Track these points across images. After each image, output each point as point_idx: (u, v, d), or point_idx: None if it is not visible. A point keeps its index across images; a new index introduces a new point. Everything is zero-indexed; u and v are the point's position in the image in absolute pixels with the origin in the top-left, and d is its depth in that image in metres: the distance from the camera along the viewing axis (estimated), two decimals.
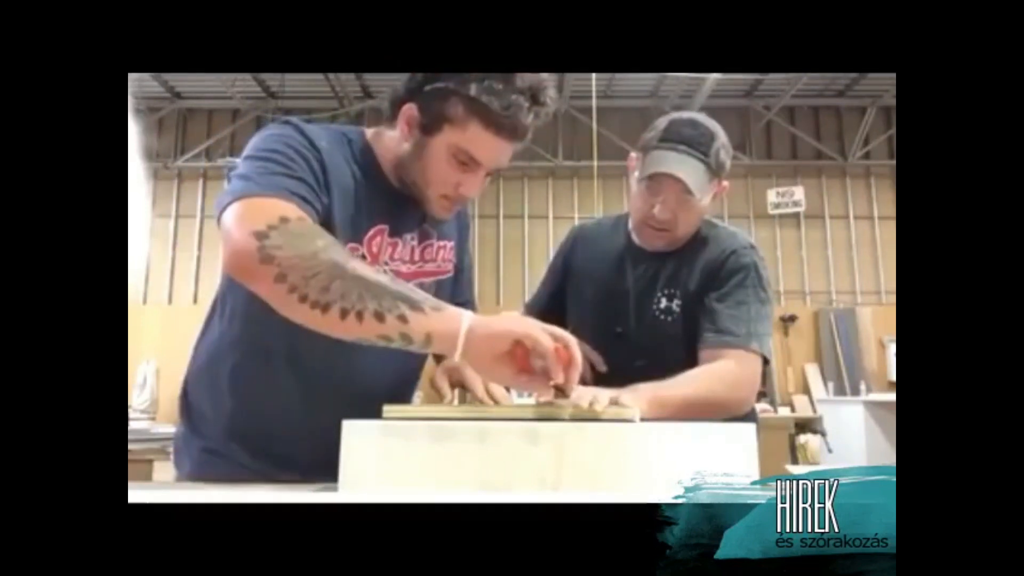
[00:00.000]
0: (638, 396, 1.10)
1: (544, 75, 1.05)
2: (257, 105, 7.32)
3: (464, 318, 0.87)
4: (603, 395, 1.01)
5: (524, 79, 1.02)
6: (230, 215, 0.93)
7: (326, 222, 1.02)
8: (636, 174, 1.43)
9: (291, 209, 0.93)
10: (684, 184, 1.34)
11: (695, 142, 1.36)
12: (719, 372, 1.30)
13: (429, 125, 1.05)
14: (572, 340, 0.89)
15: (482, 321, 0.88)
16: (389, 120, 1.11)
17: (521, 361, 0.89)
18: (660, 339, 1.43)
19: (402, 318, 0.86)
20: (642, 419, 1.04)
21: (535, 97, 1.03)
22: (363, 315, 0.85)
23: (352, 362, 1.09)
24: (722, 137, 1.40)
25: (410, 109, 1.07)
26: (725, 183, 1.44)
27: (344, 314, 0.86)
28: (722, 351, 1.33)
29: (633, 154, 1.46)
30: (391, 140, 1.12)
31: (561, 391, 0.92)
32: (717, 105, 6.93)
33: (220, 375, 1.14)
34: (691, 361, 1.34)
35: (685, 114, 1.43)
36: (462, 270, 1.32)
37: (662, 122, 1.41)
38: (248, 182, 0.96)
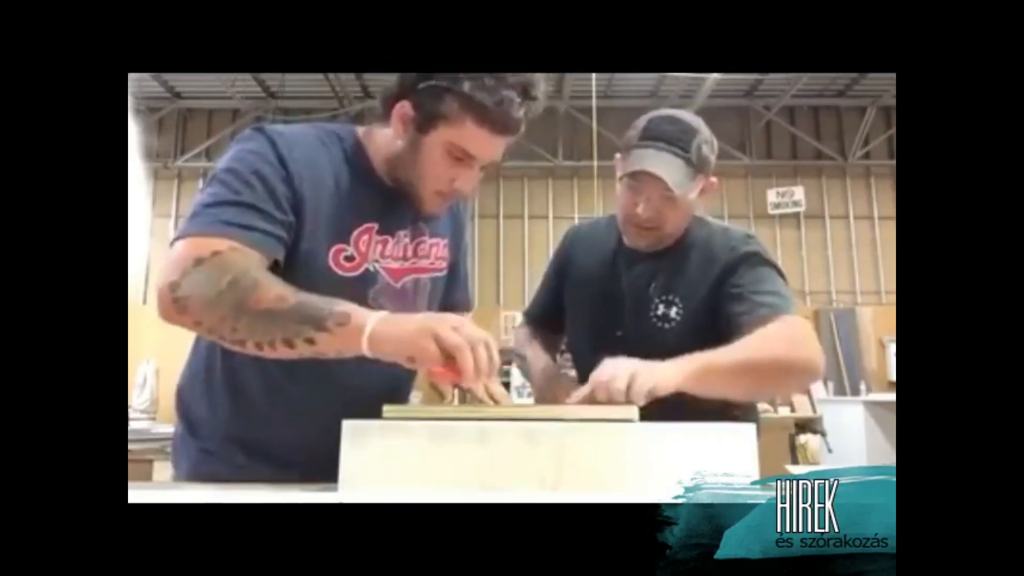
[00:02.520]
0: (679, 369, 1.08)
1: (534, 72, 1.05)
2: (257, 105, 7.32)
3: (366, 328, 0.90)
4: (623, 373, 1.01)
5: (516, 74, 1.03)
6: (166, 260, 0.97)
7: (300, 234, 1.04)
8: (619, 173, 1.41)
9: (213, 244, 0.96)
10: (664, 182, 1.32)
11: (674, 139, 1.34)
12: (773, 333, 1.21)
13: (424, 123, 1.06)
14: (463, 351, 0.87)
15: (383, 328, 0.90)
16: (381, 118, 1.11)
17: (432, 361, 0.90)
18: (660, 346, 1.40)
19: (309, 340, 0.92)
20: (689, 394, 1.04)
21: (526, 92, 1.04)
22: (275, 344, 0.92)
23: (346, 362, 1.09)
24: (704, 132, 1.37)
25: (403, 107, 1.07)
26: (714, 179, 1.40)
27: (259, 347, 0.93)
28: (762, 322, 1.24)
29: (618, 154, 1.44)
30: (383, 138, 1.12)
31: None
32: (717, 105, 6.93)
33: (216, 376, 1.14)
34: None
35: (665, 111, 1.40)
36: (457, 267, 1.32)
37: (642, 121, 1.39)
38: (190, 219, 0.99)
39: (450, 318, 0.92)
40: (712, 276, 1.39)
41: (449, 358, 0.88)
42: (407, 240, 1.16)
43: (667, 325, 1.41)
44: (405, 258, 1.17)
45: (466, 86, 1.02)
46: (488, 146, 1.07)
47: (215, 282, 0.92)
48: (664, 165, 1.32)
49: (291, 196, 1.03)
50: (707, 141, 1.37)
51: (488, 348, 0.89)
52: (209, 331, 0.94)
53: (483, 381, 0.92)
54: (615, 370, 1.05)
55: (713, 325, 1.34)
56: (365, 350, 0.90)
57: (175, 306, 0.92)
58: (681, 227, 1.44)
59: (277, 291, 0.93)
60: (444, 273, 1.26)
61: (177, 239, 0.98)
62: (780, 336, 1.22)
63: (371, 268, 1.11)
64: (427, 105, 1.05)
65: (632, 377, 1.02)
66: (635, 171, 1.34)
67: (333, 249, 1.07)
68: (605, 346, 1.44)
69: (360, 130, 1.16)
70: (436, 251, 1.23)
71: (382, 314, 0.92)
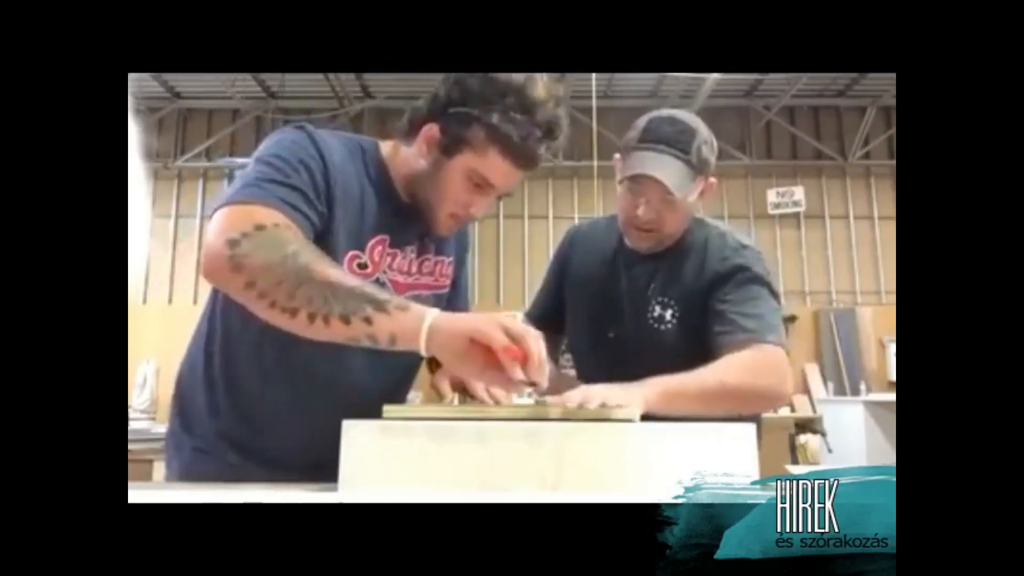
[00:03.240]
0: (648, 389, 1.09)
1: (560, 111, 1.08)
2: (257, 105, 7.31)
3: (427, 317, 0.89)
4: (596, 396, 1.00)
5: (544, 113, 1.06)
6: (214, 221, 0.96)
7: (325, 230, 1.05)
8: (619, 175, 1.41)
9: (272, 216, 0.96)
10: (664, 185, 1.32)
11: (674, 140, 1.34)
12: (740, 360, 1.25)
13: (449, 147, 1.08)
14: (530, 336, 0.89)
15: (444, 320, 0.90)
16: (406, 136, 1.14)
17: (486, 357, 0.89)
18: (657, 347, 1.41)
19: (367, 320, 0.89)
20: (656, 414, 1.04)
21: (550, 132, 1.07)
22: (329, 319, 0.89)
23: (345, 361, 1.09)
24: (704, 133, 1.37)
25: (431, 130, 1.09)
26: (713, 180, 1.40)
27: (311, 318, 0.89)
28: (738, 347, 1.28)
29: (617, 155, 1.44)
30: (406, 155, 1.14)
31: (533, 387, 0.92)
32: (717, 105, 6.92)
33: (214, 373, 1.14)
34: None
35: (665, 112, 1.40)
36: (459, 285, 1.34)
37: (642, 121, 1.39)
38: (242, 189, 0.99)
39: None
40: (703, 282, 1.39)
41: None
42: (413, 256, 1.18)
43: (663, 327, 1.41)
44: (409, 273, 1.19)
45: (495, 118, 1.04)
46: (507, 177, 1.10)
47: (280, 247, 0.92)
48: (664, 168, 1.33)
49: (327, 192, 1.05)
50: (707, 142, 1.37)
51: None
52: (260, 295, 0.91)
53: (541, 374, 0.90)
54: (585, 393, 1.05)
55: (704, 331, 1.35)
56: (422, 338, 0.88)
57: (230, 263, 0.91)
58: (681, 228, 1.44)
59: (338, 271, 0.94)
60: (447, 290, 1.28)
61: (227, 204, 0.97)
62: (748, 365, 1.25)
63: (380, 279, 1.12)
64: (454, 130, 1.07)
65: (585, 395, 1.01)
66: (635, 175, 1.35)
67: (349, 255, 1.09)
68: (604, 346, 1.44)
69: (384, 145, 1.18)
70: (441, 269, 1.25)
71: (437, 310, 0.92)
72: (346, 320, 0.89)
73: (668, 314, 1.41)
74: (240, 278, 0.91)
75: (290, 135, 1.08)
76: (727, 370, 1.23)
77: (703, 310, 1.37)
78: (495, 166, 1.08)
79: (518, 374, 0.88)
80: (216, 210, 0.97)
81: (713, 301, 1.37)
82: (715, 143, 1.40)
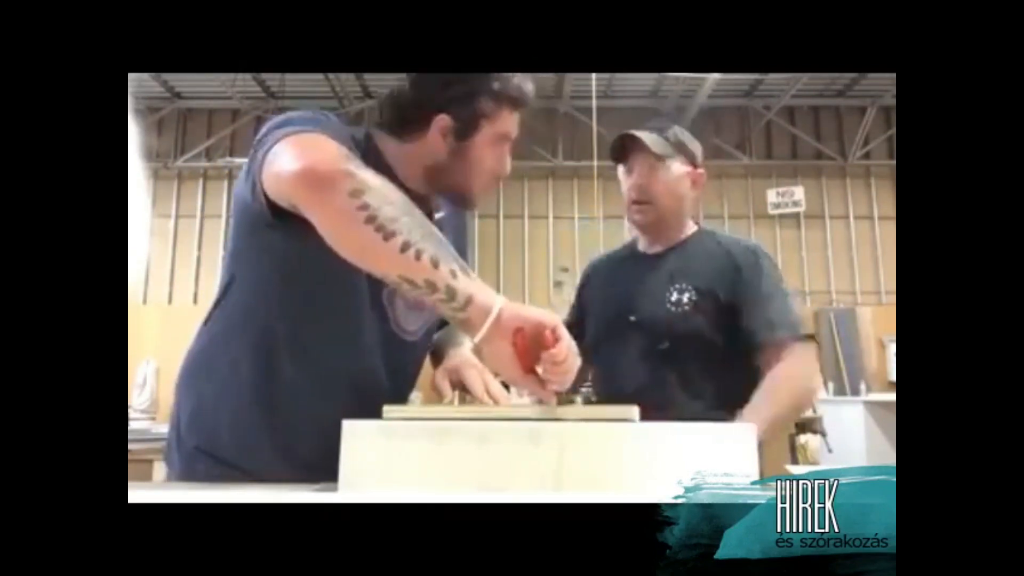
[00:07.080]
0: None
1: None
2: (257, 105, 7.31)
3: (499, 298, 0.89)
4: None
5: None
6: (294, 141, 0.94)
7: None
8: (620, 169, 1.63)
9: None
10: (643, 144, 1.51)
11: (651, 126, 1.58)
12: (791, 381, 1.44)
13: (466, 128, 1.11)
14: (566, 338, 0.90)
15: (511, 305, 0.90)
16: (402, 135, 1.13)
17: (527, 362, 0.90)
18: (675, 328, 1.54)
19: (453, 273, 0.87)
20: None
21: None
22: (422, 255, 0.86)
23: (350, 359, 1.09)
24: (679, 127, 1.60)
25: (443, 120, 1.10)
26: (701, 171, 1.60)
27: (405, 248, 0.86)
28: (781, 348, 1.46)
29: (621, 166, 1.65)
30: (413, 151, 1.14)
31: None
32: (717, 105, 6.94)
33: (219, 371, 1.14)
34: (713, 353, 1.48)
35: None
36: None
37: None
38: (314, 123, 0.99)
39: None
40: (729, 268, 1.55)
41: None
42: None
43: (680, 309, 1.56)
44: None
45: (496, 83, 1.10)
46: (515, 125, 1.16)
47: (382, 176, 0.91)
48: (643, 134, 1.55)
49: None
50: (684, 131, 1.60)
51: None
52: (363, 207, 0.87)
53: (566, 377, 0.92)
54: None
55: (721, 311, 1.52)
56: (495, 309, 0.87)
57: (348, 165, 0.89)
58: (678, 214, 1.62)
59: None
60: None
61: (299, 132, 0.96)
62: (796, 378, 1.46)
63: None
64: (465, 112, 1.10)
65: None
66: (618, 135, 1.57)
67: None
68: (625, 329, 1.58)
69: (375, 133, 1.18)
70: None
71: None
72: (435, 264, 0.87)
73: (685, 297, 1.55)
74: (352, 183, 0.87)
75: (314, 115, 1.07)
76: (785, 398, 1.43)
77: (725, 294, 1.52)
78: (510, 120, 1.14)
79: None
80: (283, 138, 0.95)
81: (745, 292, 1.52)
82: (696, 141, 1.61)
